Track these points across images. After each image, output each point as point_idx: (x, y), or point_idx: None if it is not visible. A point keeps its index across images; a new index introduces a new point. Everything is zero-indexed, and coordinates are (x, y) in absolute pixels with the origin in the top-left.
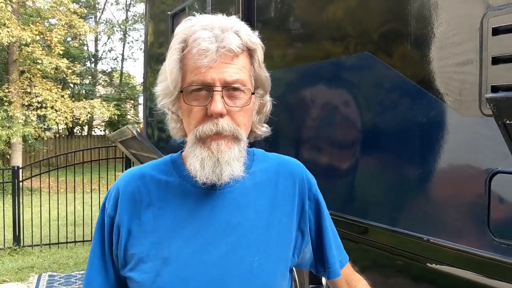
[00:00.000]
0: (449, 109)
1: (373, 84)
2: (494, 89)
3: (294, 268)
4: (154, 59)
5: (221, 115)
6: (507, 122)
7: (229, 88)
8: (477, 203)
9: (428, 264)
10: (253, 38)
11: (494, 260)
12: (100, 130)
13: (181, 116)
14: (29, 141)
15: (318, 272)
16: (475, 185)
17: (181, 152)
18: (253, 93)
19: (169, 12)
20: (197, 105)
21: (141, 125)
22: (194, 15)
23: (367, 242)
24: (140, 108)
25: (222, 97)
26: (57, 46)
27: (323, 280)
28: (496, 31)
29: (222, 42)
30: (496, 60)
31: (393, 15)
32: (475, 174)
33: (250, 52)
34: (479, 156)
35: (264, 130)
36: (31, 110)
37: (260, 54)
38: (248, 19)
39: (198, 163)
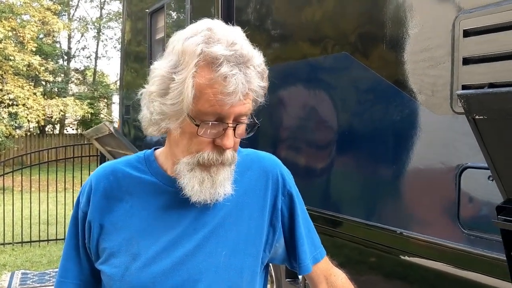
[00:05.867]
0: (422, 107)
1: (350, 83)
2: (465, 88)
3: (270, 264)
4: (131, 57)
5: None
6: (476, 117)
7: (239, 120)
8: (447, 197)
9: (401, 256)
10: (264, 65)
11: (463, 251)
12: (73, 129)
13: (177, 131)
14: (0, 139)
15: (292, 267)
16: (446, 179)
17: (154, 149)
18: (255, 123)
19: (147, 10)
20: (207, 137)
21: (117, 123)
22: (171, 14)
23: (342, 236)
24: (114, 106)
25: (234, 129)
26: (29, 42)
27: (300, 276)
28: (466, 33)
29: (250, 85)
30: (466, 61)
31: (369, 17)
32: (446, 169)
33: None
34: (450, 152)
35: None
36: (2, 108)
37: (267, 77)
38: (227, 19)
39: (197, 184)
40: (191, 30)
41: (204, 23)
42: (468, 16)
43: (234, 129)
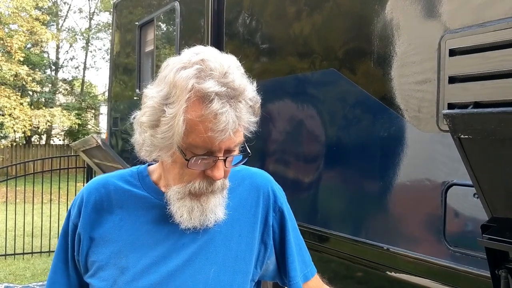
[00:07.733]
0: (408, 124)
1: (337, 99)
2: (450, 106)
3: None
4: (120, 69)
5: None
6: (462, 136)
7: (229, 152)
8: (433, 213)
9: (387, 272)
10: (256, 97)
11: (449, 268)
12: (59, 140)
13: (168, 160)
14: None
15: (283, 284)
16: (432, 196)
17: (148, 164)
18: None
19: (137, 23)
20: (198, 169)
21: (105, 135)
22: (161, 27)
23: (329, 251)
24: (101, 118)
25: (224, 161)
26: (17, 52)
27: None
28: (452, 52)
29: (240, 121)
30: (452, 79)
31: (357, 34)
32: (432, 186)
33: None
34: (436, 169)
35: None
36: None
37: (258, 108)
38: (216, 32)
39: (186, 213)
40: (184, 60)
41: (198, 53)
42: (454, 35)
43: (225, 161)
